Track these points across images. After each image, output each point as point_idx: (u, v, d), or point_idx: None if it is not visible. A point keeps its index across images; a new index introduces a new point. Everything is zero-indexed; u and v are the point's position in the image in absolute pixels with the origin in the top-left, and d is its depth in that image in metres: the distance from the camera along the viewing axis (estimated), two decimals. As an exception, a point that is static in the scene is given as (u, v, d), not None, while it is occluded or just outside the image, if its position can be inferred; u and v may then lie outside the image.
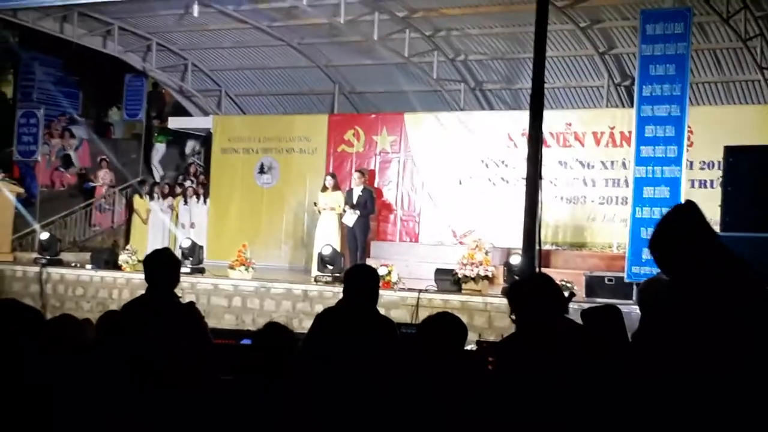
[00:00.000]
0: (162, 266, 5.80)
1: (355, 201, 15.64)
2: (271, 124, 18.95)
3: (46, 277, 15.06)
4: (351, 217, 15.49)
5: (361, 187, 15.88)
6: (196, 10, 15.76)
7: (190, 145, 22.09)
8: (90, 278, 14.88)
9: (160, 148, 22.24)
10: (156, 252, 6.09)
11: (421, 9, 16.40)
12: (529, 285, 4.72)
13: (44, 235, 16.03)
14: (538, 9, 8.76)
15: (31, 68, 22.02)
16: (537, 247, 9.32)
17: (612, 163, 15.62)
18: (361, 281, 5.81)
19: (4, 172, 17.04)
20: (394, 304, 12.29)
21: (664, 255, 3.68)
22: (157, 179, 20.75)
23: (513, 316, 4.59)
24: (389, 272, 12.88)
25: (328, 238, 15.10)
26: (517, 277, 11.19)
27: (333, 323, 5.72)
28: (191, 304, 5.83)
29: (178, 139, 22.17)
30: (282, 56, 18.99)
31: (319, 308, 9.79)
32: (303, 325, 11.36)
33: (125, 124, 22.92)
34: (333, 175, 16.31)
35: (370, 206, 15.85)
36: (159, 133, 22.23)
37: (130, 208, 18.79)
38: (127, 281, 14.38)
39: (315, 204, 15.92)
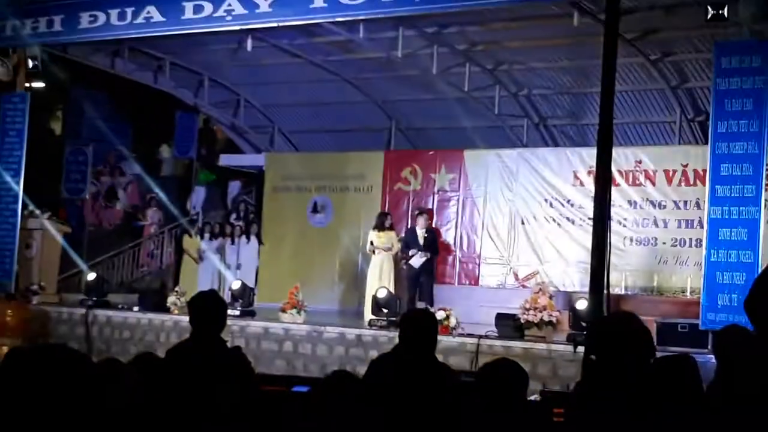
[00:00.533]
0: (208, 309, 5.66)
1: (422, 242, 15.28)
2: (325, 161, 18.59)
3: (92, 320, 14.78)
4: (419, 260, 15.17)
5: (425, 228, 15.52)
6: (249, 44, 15.39)
7: (234, 186, 21.67)
8: (137, 320, 14.56)
9: (200, 191, 21.66)
10: (202, 294, 6.00)
11: (483, 42, 15.87)
12: (618, 323, 4.18)
13: (91, 276, 15.79)
14: (605, 41, 8.22)
15: (81, 104, 21.90)
16: (605, 292, 8.84)
17: (685, 202, 15.08)
18: (419, 327, 5.56)
19: (50, 211, 16.74)
20: (453, 350, 11.90)
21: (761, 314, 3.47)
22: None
23: (593, 357, 4.25)
24: (447, 317, 12.52)
25: (381, 280, 14.78)
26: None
27: (388, 370, 5.45)
28: (237, 348, 5.66)
29: (220, 180, 21.76)
30: (337, 91, 18.55)
31: (373, 354, 9.57)
32: (357, 371, 10.82)
33: (176, 161, 22.63)
34: (388, 214, 15.99)
35: (436, 248, 15.60)
36: (201, 173, 21.80)
37: (179, 249, 18.35)
38: (175, 324, 14.04)
39: (371, 243, 15.40)
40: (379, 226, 15.60)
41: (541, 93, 17.30)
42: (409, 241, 15.36)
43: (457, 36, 15.78)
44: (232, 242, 17.83)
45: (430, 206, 17.22)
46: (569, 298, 13.83)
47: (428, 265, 15.28)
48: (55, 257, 16.38)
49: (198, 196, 21.62)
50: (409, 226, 16.44)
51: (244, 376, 5.44)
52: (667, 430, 3.73)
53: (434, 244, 15.48)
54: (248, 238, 17.92)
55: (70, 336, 14.55)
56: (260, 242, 17.87)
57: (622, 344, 3.91)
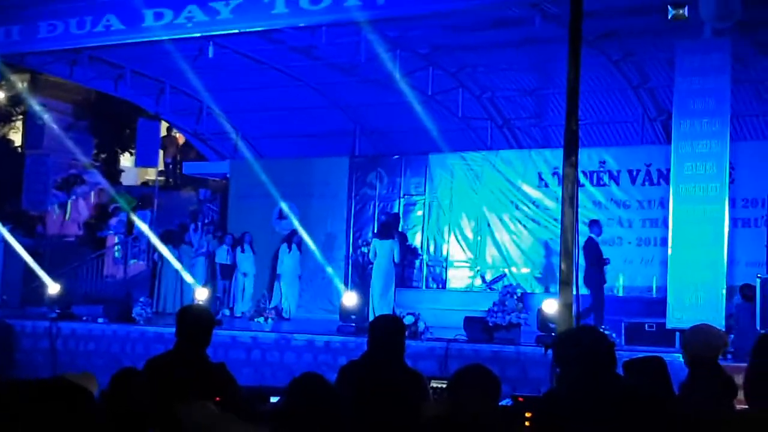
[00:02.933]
0: (197, 324, 5.49)
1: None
2: (290, 167, 18.42)
3: (56, 332, 14.51)
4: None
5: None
6: (211, 50, 15.23)
7: (193, 195, 21.25)
8: (102, 332, 14.32)
9: (121, 215, 20.82)
10: (191, 307, 5.86)
11: (445, 45, 15.81)
12: (576, 338, 4.16)
13: (54, 288, 15.48)
14: (570, 45, 8.19)
15: (40, 114, 21.58)
16: (575, 293, 8.84)
17: (649, 202, 15.14)
18: (387, 332, 5.51)
19: (12, 223, 16.48)
20: (422, 354, 11.84)
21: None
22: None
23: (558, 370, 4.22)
24: (416, 321, 12.36)
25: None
26: (553, 326, 10.66)
27: (358, 377, 5.38)
28: (222, 364, 5.43)
29: (145, 204, 21.02)
30: (300, 97, 18.42)
31: (342, 361, 9.29)
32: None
33: (138, 170, 22.38)
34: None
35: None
36: (121, 198, 21.15)
37: (154, 258, 18.11)
38: (141, 335, 13.84)
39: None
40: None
41: (504, 94, 17.29)
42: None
43: (420, 39, 15.71)
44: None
45: (396, 210, 17.16)
46: (536, 300, 13.84)
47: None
48: (17, 270, 16.12)
49: (120, 220, 20.84)
50: (375, 231, 16.42)
51: (229, 392, 5.26)
52: None
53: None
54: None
55: (35, 349, 14.35)
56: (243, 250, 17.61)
57: (583, 359, 3.90)
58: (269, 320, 13.77)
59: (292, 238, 16.80)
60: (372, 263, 15.12)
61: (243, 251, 16.95)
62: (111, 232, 20.20)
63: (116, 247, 19.81)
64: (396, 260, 14.97)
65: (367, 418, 5.03)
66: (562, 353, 4.02)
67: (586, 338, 3.96)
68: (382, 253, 14.84)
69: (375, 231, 16.37)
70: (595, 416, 3.70)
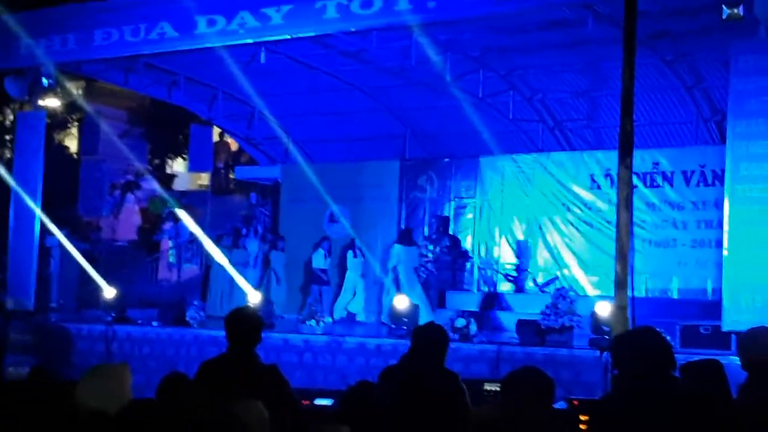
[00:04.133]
0: (245, 325, 5.62)
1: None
2: (341, 171, 18.45)
3: (112, 335, 14.67)
4: None
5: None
6: (262, 56, 15.35)
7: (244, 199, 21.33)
8: (157, 335, 14.46)
9: (171, 224, 20.54)
10: (239, 310, 5.96)
11: (496, 47, 15.76)
12: (636, 340, 4.14)
13: (110, 292, 15.67)
14: (625, 43, 8.14)
15: (96, 121, 21.86)
16: (630, 295, 8.79)
17: (704, 203, 14.89)
18: (429, 339, 5.64)
19: (68, 229, 16.74)
20: (474, 357, 11.78)
21: None
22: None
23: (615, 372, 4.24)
24: (467, 324, 12.28)
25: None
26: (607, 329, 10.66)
27: (396, 381, 5.47)
28: (274, 366, 5.58)
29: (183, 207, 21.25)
30: (351, 100, 18.49)
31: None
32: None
33: (190, 175, 22.60)
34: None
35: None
36: (158, 202, 21.20)
37: (207, 262, 18.30)
38: (195, 338, 13.95)
39: None
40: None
41: (556, 96, 17.20)
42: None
43: (470, 42, 15.68)
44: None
45: (447, 213, 17.15)
46: (589, 302, 13.73)
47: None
48: (73, 274, 16.35)
49: (177, 226, 20.60)
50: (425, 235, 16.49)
51: (281, 394, 5.37)
52: None
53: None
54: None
55: (91, 352, 14.53)
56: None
57: (642, 361, 3.87)
58: (320, 323, 13.82)
59: (354, 243, 16.88)
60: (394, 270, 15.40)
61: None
62: (165, 236, 20.39)
63: (170, 251, 20.00)
64: (416, 266, 15.29)
65: (407, 422, 5.03)
66: (620, 355, 3.99)
67: (646, 340, 3.92)
68: (403, 259, 15.56)
69: (397, 238, 16.55)
70: (653, 420, 3.67)
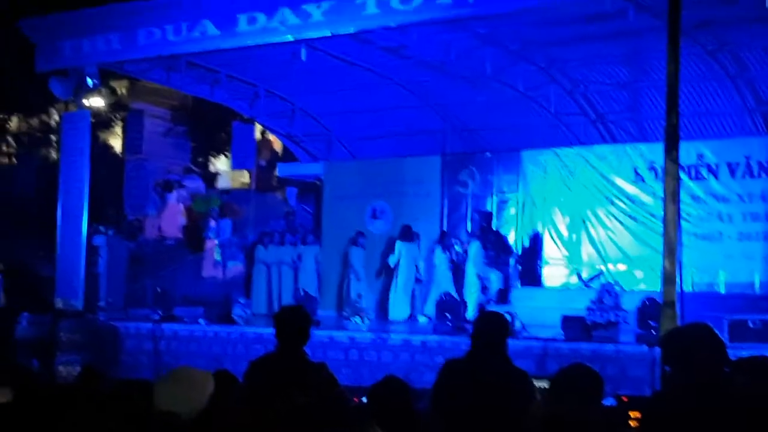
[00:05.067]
0: (293, 324, 5.67)
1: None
2: (382, 167, 18.47)
3: (159, 334, 14.77)
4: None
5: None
6: (303, 53, 15.39)
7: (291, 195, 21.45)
8: (203, 333, 14.55)
9: (215, 222, 20.71)
10: (288, 308, 6.02)
11: (535, 40, 15.67)
12: (689, 336, 4.06)
13: (156, 290, 15.80)
14: (670, 36, 8.04)
15: (140, 120, 22.03)
16: (679, 290, 8.70)
17: (749, 195, 14.71)
18: (490, 329, 5.55)
19: (114, 228, 16.89)
20: (519, 353, 11.57)
21: None
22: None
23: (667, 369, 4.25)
24: (512, 319, 12.24)
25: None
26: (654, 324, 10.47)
27: (463, 374, 5.42)
28: (323, 364, 5.60)
29: (225, 206, 21.32)
30: (391, 96, 18.48)
31: (439, 360, 9.36)
32: (424, 378, 10.76)
33: (233, 172, 22.71)
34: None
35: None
36: (203, 201, 21.25)
37: (250, 260, 18.41)
38: (241, 336, 14.01)
39: None
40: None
41: (597, 88, 17.07)
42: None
43: (510, 35, 15.60)
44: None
45: (489, 208, 17.09)
46: (635, 297, 13.62)
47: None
48: (120, 273, 16.49)
49: (219, 224, 20.83)
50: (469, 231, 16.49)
51: (331, 391, 5.40)
52: None
53: None
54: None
55: (139, 350, 14.63)
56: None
57: (694, 357, 3.84)
58: (365, 320, 13.84)
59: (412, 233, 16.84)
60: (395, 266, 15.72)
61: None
62: (210, 234, 20.53)
63: (216, 249, 20.14)
64: (417, 264, 15.32)
65: (473, 415, 5.04)
66: (672, 352, 3.94)
67: (698, 337, 3.88)
68: (405, 255, 15.87)
69: (398, 234, 16.73)
70: (706, 417, 3.64)
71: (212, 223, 20.42)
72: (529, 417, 4.71)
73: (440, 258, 16.20)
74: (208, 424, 4.11)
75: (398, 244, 16.35)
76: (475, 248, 15.69)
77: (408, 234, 16.55)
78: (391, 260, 16.54)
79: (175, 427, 4.14)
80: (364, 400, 7.10)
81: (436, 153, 18.40)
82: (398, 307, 16.24)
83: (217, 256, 19.94)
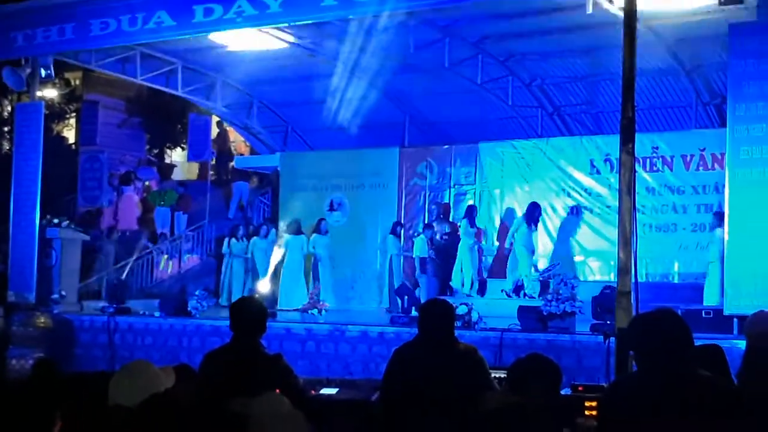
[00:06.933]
0: (251, 315, 5.60)
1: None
2: (340, 159, 18.42)
3: (114, 327, 14.63)
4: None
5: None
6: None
7: (243, 188, 21.32)
8: (159, 326, 14.43)
9: (162, 212, 20.92)
10: (243, 300, 6.04)
11: (494, 33, 15.72)
12: (658, 321, 4.00)
13: (111, 283, 15.66)
14: (626, 31, 8.12)
15: (94, 111, 21.77)
16: (633, 281, 8.78)
17: (704, 187, 14.90)
18: (436, 314, 5.54)
19: (68, 220, 16.68)
20: (476, 344, 11.48)
21: None
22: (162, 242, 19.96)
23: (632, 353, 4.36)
24: (469, 311, 12.25)
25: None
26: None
27: (413, 358, 5.44)
28: (279, 355, 5.49)
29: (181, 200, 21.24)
30: (350, 87, 18.39)
31: None
32: (381, 369, 10.75)
33: (188, 165, 22.53)
34: None
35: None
36: (157, 195, 21.09)
37: (218, 252, 18.31)
38: (197, 328, 13.90)
39: None
40: None
41: (554, 81, 17.16)
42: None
43: (469, 28, 15.63)
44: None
45: (446, 200, 17.12)
46: (590, 288, 13.72)
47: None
48: (74, 265, 16.29)
49: (161, 217, 20.95)
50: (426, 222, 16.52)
51: (289, 383, 5.37)
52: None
53: None
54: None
55: (93, 343, 14.49)
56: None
57: (660, 342, 3.84)
58: (323, 312, 13.81)
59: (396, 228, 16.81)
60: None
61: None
62: (164, 226, 20.37)
63: (170, 243, 20.03)
64: (306, 251, 16.17)
65: (427, 399, 5.04)
66: (638, 337, 3.94)
67: (665, 321, 3.88)
68: (292, 248, 16.14)
69: (285, 228, 16.94)
70: (672, 402, 3.66)
71: (167, 216, 20.29)
72: (484, 405, 4.72)
73: (396, 249, 16.21)
74: (154, 413, 4.08)
75: (389, 239, 16.28)
76: (424, 240, 15.78)
77: (296, 229, 16.56)
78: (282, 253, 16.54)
79: (128, 422, 4.10)
80: (325, 391, 7.07)
81: (395, 145, 18.38)
82: (291, 296, 16.03)
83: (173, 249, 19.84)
